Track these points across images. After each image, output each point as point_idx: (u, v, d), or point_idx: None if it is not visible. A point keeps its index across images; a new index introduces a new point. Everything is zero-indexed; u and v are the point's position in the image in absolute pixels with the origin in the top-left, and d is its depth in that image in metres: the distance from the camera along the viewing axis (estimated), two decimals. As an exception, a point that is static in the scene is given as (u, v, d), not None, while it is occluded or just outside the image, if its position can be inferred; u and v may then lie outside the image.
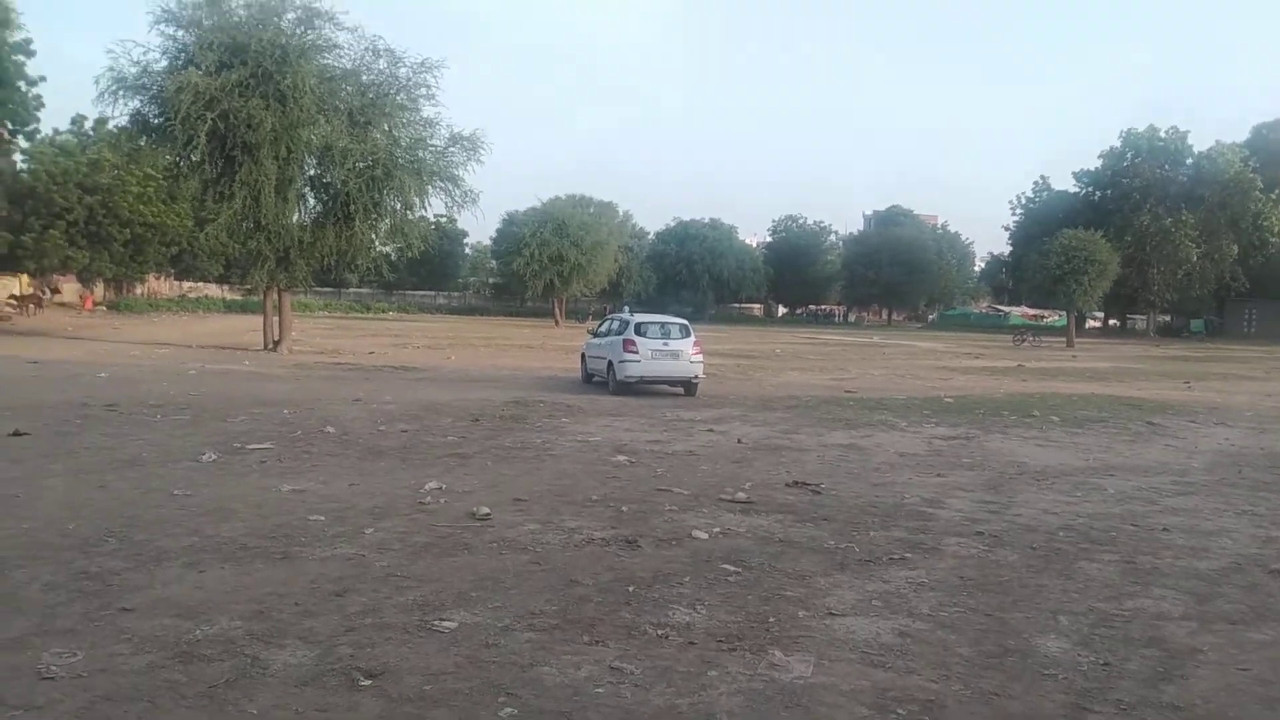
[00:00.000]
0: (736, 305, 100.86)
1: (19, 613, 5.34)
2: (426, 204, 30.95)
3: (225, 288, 73.58)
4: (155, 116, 27.24)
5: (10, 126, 39.90)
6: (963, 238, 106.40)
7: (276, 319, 31.14)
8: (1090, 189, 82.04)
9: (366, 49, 28.65)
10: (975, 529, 8.16)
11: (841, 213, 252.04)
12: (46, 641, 4.91)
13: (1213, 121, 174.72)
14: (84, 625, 5.18)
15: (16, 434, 11.55)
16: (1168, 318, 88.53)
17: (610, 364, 20.04)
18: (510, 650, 5.01)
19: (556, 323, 69.73)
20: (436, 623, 5.37)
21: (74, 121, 55.82)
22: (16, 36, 37.20)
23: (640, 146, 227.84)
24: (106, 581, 5.95)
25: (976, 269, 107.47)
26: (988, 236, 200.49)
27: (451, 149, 29.73)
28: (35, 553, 6.51)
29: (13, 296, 52.07)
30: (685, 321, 20.99)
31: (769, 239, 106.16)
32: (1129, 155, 78.85)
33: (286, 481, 9.31)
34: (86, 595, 5.67)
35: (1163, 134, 78.63)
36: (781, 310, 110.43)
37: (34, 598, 5.62)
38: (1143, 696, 4.70)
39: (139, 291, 66.59)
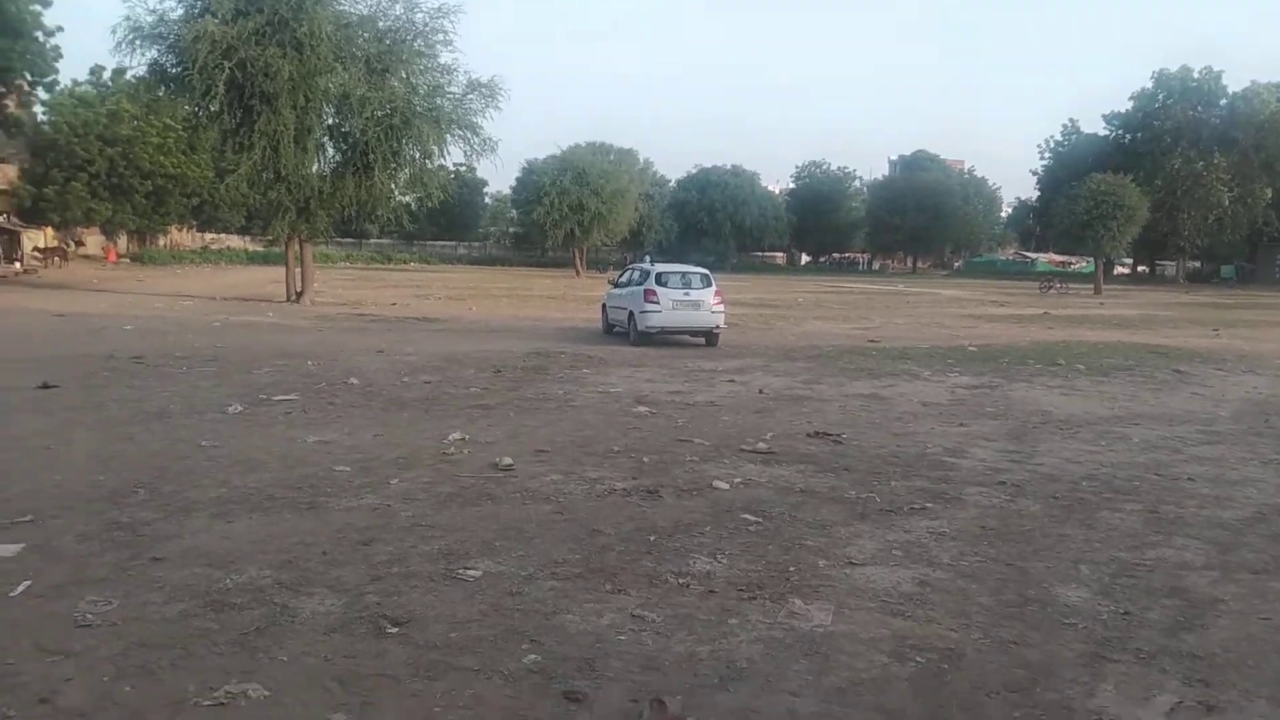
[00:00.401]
0: (759, 254, 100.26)
1: (55, 562, 5.48)
2: (445, 152, 30.90)
3: (247, 239, 73.92)
4: (173, 66, 27.19)
5: (29, 78, 39.91)
6: (990, 183, 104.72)
7: (299, 270, 31.31)
8: (1120, 132, 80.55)
9: (383, -7, 28.38)
10: (997, 479, 8.17)
11: (866, 158, 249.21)
12: (82, 590, 5.04)
13: (1248, 62, 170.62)
14: (117, 574, 5.31)
15: (45, 386, 11.74)
16: (1198, 264, 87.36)
17: (631, 314, 20.04)
18: (533, 598, 5.10)
19: (577, 273, 69.56)
20: (461, 571, 5.46)
21: (92, 72, 55.89)
22: (33, -14, 37.09)
23: (661, 93, 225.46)
24: (138, 531, 6.08)
25: (1004, 215, 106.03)
26: (1015, 181, 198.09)
27: (470, 96, 29.56)
28: (68, 503, 6.65)
29: (37, 249, 52.58)
30: (706, 271, 20.92)
31: (792, 186, 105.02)
32: (1161, 96, 77.24)
33: (312, 432, 9.43)
34: (118, 545, 5.80)
35: (1196, 74, 76.85)
36: (805, 258, 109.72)
37: (68, 547, 5.75)
38: (1163, 645, 4.73)
39: (161, 243, 67.08)
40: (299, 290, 30.71)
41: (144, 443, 8.83)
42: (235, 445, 8.76)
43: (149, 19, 26.61)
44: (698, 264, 24.43)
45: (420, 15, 28.57)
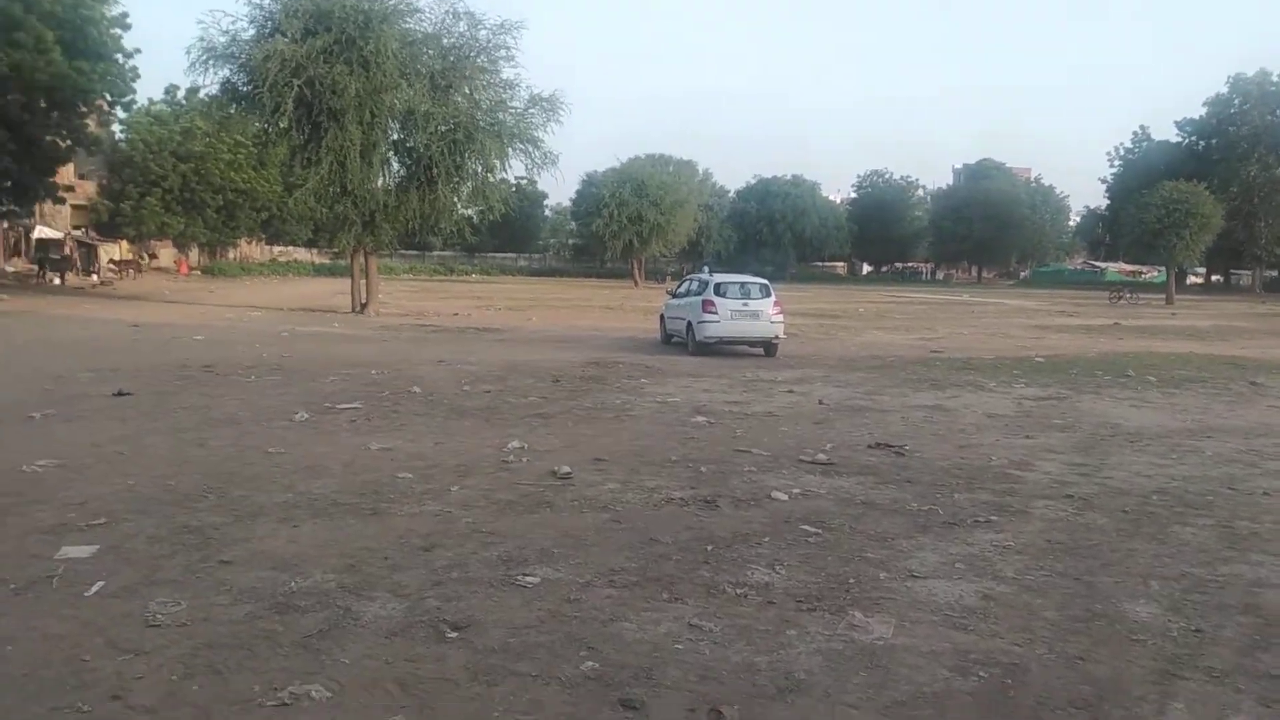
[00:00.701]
0: (819, 263, 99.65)
1: (127, 563, 5.64)
2: (507, 166, 31.27)
3: (314, 251, 75.51)
4: (244, 84, 27.90)
5: (109, 98, 41.31)
6: (1057, 191, 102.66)
7: (364, 282, 31.89)
8: (1194, 138, 78.57)
9: (447, 12, 28.90)
10: (1064, 492, 7.99)
11: (929, 167, 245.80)
12: (152, 591, 5.18)
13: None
14: (186, 576, 5.44)
15: (120, 394, 12.11)
16: (1275, 273, 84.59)
17: (689, 324, 20.02)
18: (591, 606, 5.11)
19: (635, 283, 69.81)
20: (520, 578, 5.50)
21: (167, 91, 57.66)
22: (114, 11, 38.45)
23: (722, 105, 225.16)
24: (206, 535, 6.23)
25: (1072, 224, 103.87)
26: (1084, 190, 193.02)
27: (531, 110, 29.86)
28: (140, 507, 6.85)
29: (113, 261, 54.38)
30: (765, 281, 20.82)
31: (853, 195, 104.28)
32: (1236, 101, 75.17)
33: (375, 440, 9.58)
34: (188, 548, 5.95)
35: (1275, 78, 74.65)
36: (866, 268, 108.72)
37: (140, 549, 5.92)
38: (1237, 664, 4.58)
39: (231, 256, 68.88)
40: (364, 301, 31.27)
41: (213, 449, 9.06)
42: (301, 452, 8.93)
43: (222, 39, 27.42)
44: (756, 274, 24.34)
45: (484, 32, 29.00)
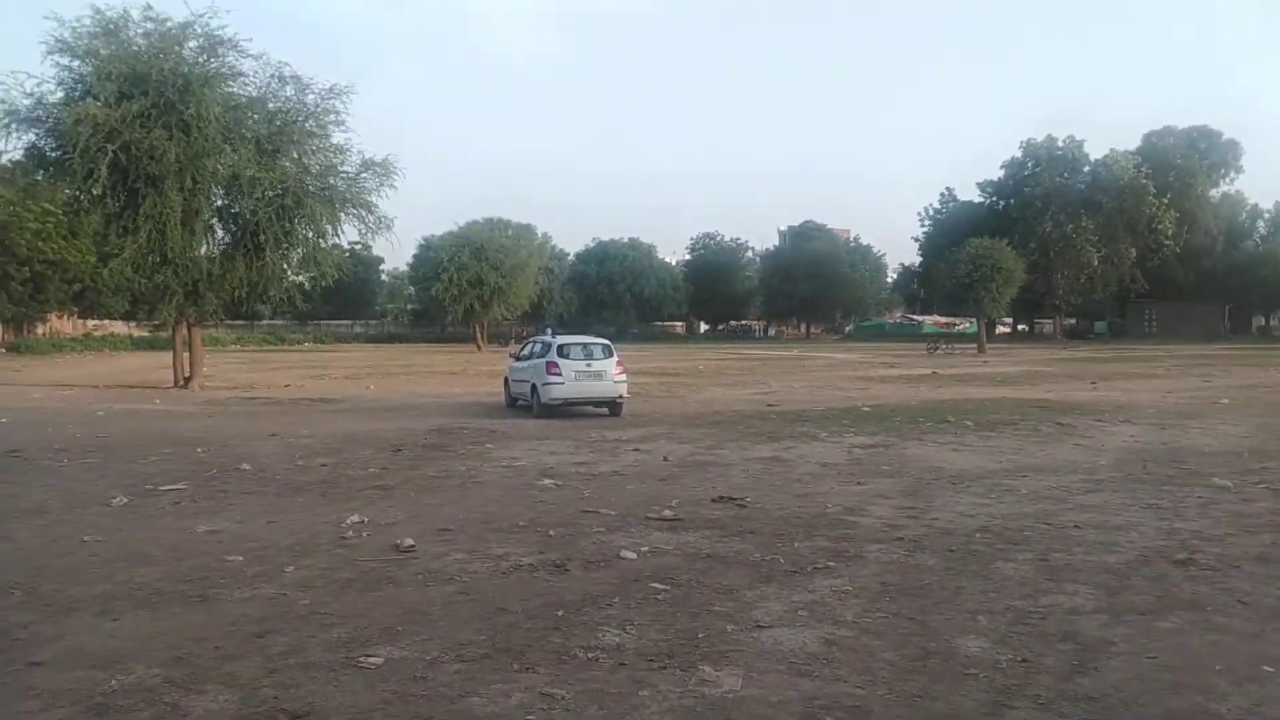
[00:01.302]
0: (659, 323, 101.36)
1: (-82, 674, 5.10)
2: (339, 231, 30.47)
3: (132, 324, 71.21)
4: (52, 150, 26.30)
5: (-105, 163, 38.11)
6: (875, 250, 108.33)
7: (187, 355, 30.29)
8: (994, 198, 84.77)
9: (272, 75, 28.13)
10: (896, 535, 8.35)
11: (758, 228, 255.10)
12: (-51, 703, 4.70)
13: (1106, 128, 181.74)
14: (-11, 683, 4.97)
15: (-90, 486, 11.02)
16: (1073, 321, 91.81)
17: (534, 387, 19.98)
18: (439, 683, 4.96)
19: (478, 347, 69.15)
20: (362, 659, 5.29)
21: (-36, 157, 53.67)
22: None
23: (556, 169, 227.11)
24: (13, 635, 5.72)
25: (889, 280, 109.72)
26: (899, 248, 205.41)
27: (363, 175, 29.32)
28: (-66, 610, 6.22)
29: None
30: (608, 341, 21.05)
31: (688, 257, 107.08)
32: (1029, 164, 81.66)
33: (202, 522, 9.07)
34: (-9, 651, 5.44)
35: (1060, 143, 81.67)
36: (703, 327, 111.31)
37: (-67, 657, 5.37)
38: (1060, 690, 4.87)
39: (40, 331, 64.19)
40: (187, 375, 29.67)
41: (21, 540, 8.36)
42: (120, 539, 8.35)
43: (26, 102, 25.80)
44: (599, 335, 24.58)
45: (311, 96, 28.40)
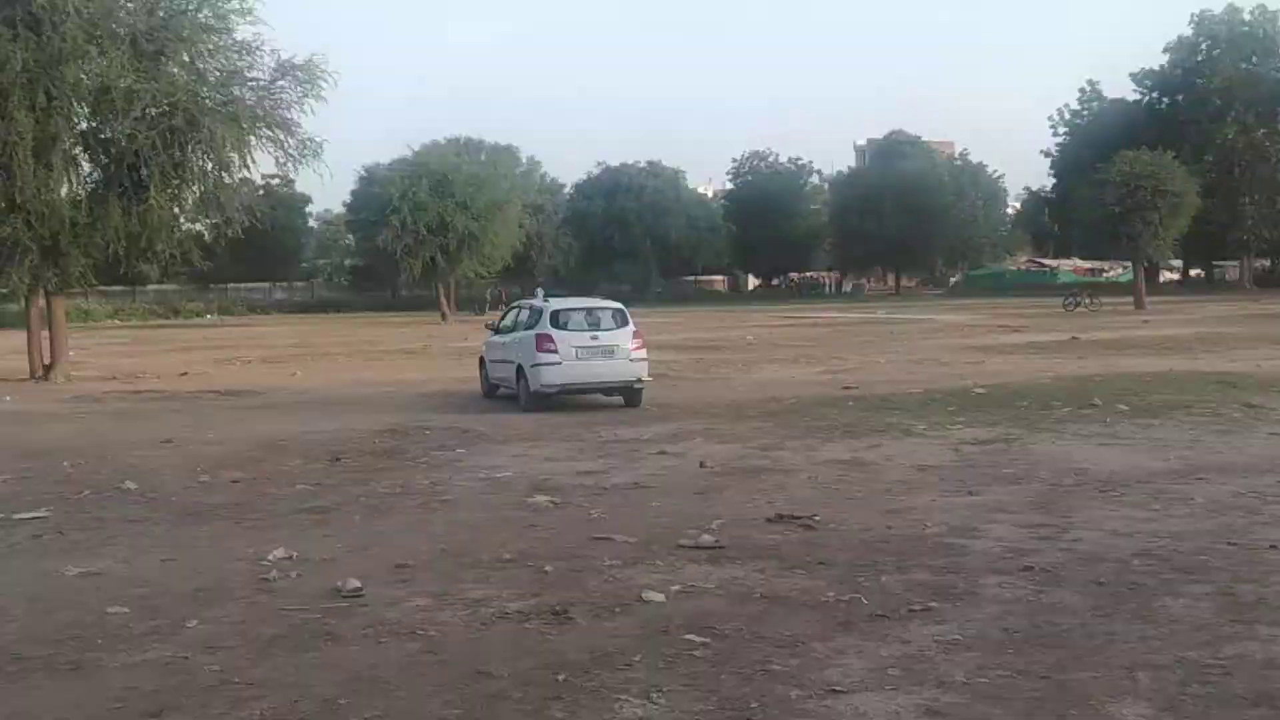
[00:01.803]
0: (691, 278, 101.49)
1: None
2: (249, 161, 30.51)
3: (-32, 295, 71.85)
4: None
5: None
6: (989, 170, 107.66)
7: (47, 335, 30.55)
8: (1156, 95, 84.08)
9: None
10: (1022, 563, 8.33)
11: (826, 145, 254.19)
12: None
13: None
14: None
15: None
16: (1267, 263, 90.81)
17: (520, 369, 20.00)
18: (398, 774, 5.02)
19: (444, 316, 69.39)
20: (293, 744, 5.36)
21: None
22: None
23: (547, 68, 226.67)
24: None
25: (1010, 212, 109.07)
26: (1022, 167, 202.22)
27: (281, 83, 29.34)
28: None
29: None
30: (620, 306, 21.03)
31: (730, 186, 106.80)
32: (1204, 46, 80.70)
33: (73, 561, 9.16)
34: None
35: (1246, 15, 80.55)
36: (753, 282, 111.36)
37: None
38: (1251, 773, 4.86)
39: None
40: (47, 363, 29.93)
41: None
42: (-38, 587, 8.47)
43: None
44: (608, 297, 24.61)
45: (206, -25, 28.45)
